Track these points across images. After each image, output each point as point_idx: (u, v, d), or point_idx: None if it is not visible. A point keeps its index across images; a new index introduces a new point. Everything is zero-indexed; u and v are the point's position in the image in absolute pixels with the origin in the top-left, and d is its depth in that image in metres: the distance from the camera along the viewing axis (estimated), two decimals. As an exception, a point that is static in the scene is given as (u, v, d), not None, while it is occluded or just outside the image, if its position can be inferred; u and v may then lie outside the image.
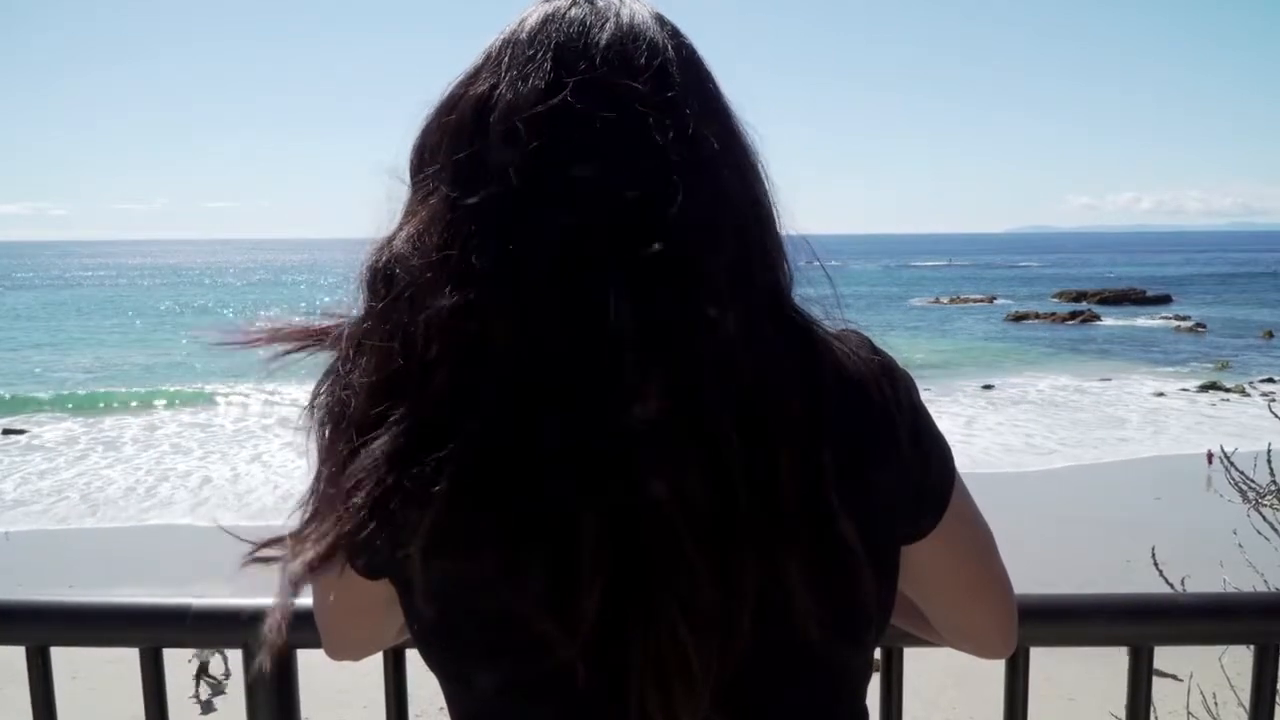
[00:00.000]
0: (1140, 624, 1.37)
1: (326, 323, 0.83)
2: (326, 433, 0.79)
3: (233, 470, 24.92)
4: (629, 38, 0.80)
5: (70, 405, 34.18)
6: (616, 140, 0.75)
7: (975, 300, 76.03)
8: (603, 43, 0.79)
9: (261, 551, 0.81)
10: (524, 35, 0.80)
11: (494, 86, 0.79)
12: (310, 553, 0.76)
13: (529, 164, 0.75)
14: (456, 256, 0.75)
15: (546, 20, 0.81)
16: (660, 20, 0.83)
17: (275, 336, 0.84)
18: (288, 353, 0.84)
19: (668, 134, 0.76)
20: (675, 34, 0.83)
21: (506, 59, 0.80)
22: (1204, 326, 56.76)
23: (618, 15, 0.81)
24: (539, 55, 0.78)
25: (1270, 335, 52.66)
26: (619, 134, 0.76)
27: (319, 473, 0.79)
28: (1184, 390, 36.38)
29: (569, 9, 0.81)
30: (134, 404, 34.51)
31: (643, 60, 0.78)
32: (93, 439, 29.53)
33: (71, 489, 23.64)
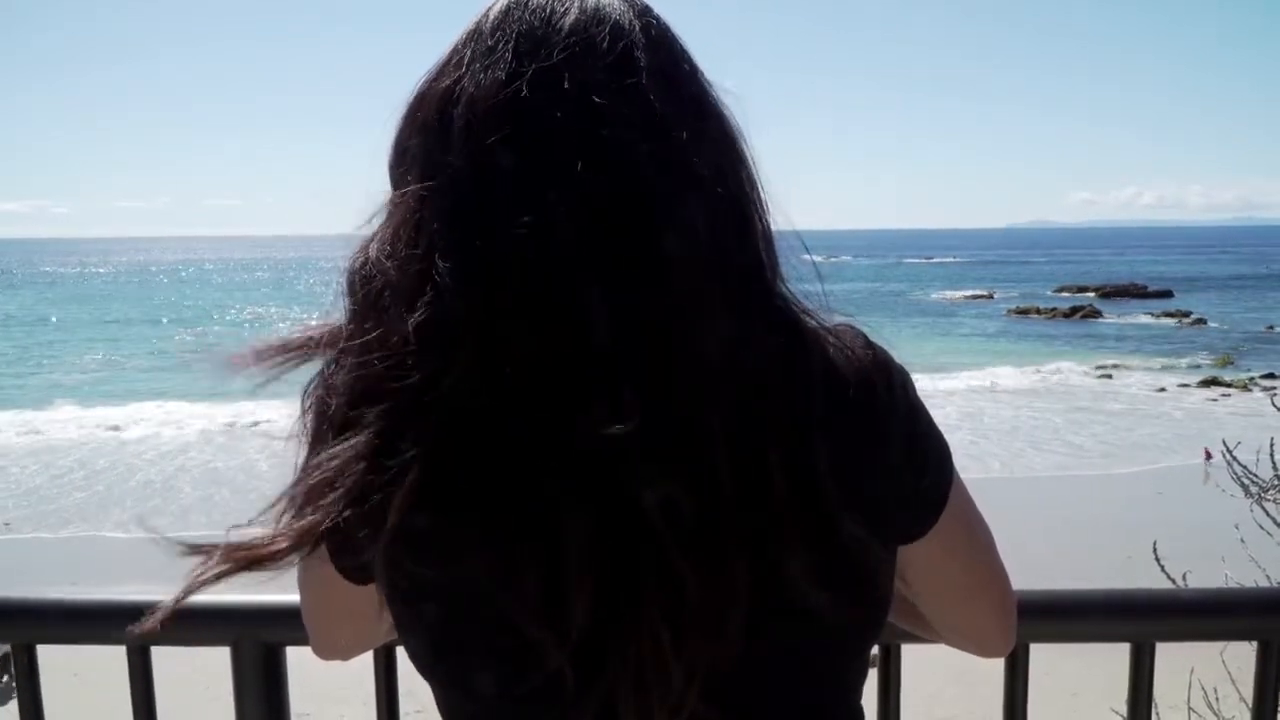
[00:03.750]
0: (1141, 620, 1.36)
1: (318, 330, 0.82)
2: (309, 433, 0.79)
3: (246, 467, 24.97)
4: (593, 22, 0.77)
5: (79, 405, 34.20)
6: (576, 130, 0.73)
7: (976, 296, 76.01)
8: (565, 28, 0.76)
9: (203, 546, 0.79)
10: (487, 26, 0.79)
11: (457, 80, 0.77)
12: (281, 544, 0.75)
13: (489, 160, 0.73)
14: (422, 256, 0.73)
15: (510, 8, 0.79)
16: (629, 1, 0.80)
17: (263, 356, 0.82)
18: (281, 363, 0.82)
19: (632, 120, 0.73)
20: (645, 13, 0.80)
21: (469, 52, 0.78)
22: (1205, 321, 56.75)
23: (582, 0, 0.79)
24: (500, 46, 0.77)
25: (1272, 329, 52.66)
26: (578, 124, 0.73)
27: (297, 469, 0.78)
28: (1185, 385, 36.39)
29: None
30: (144, 403, 34.48)
31: (606, 44, 0.76)
32: (101, 438, 29.51)
33: (78, 490, 23.67)
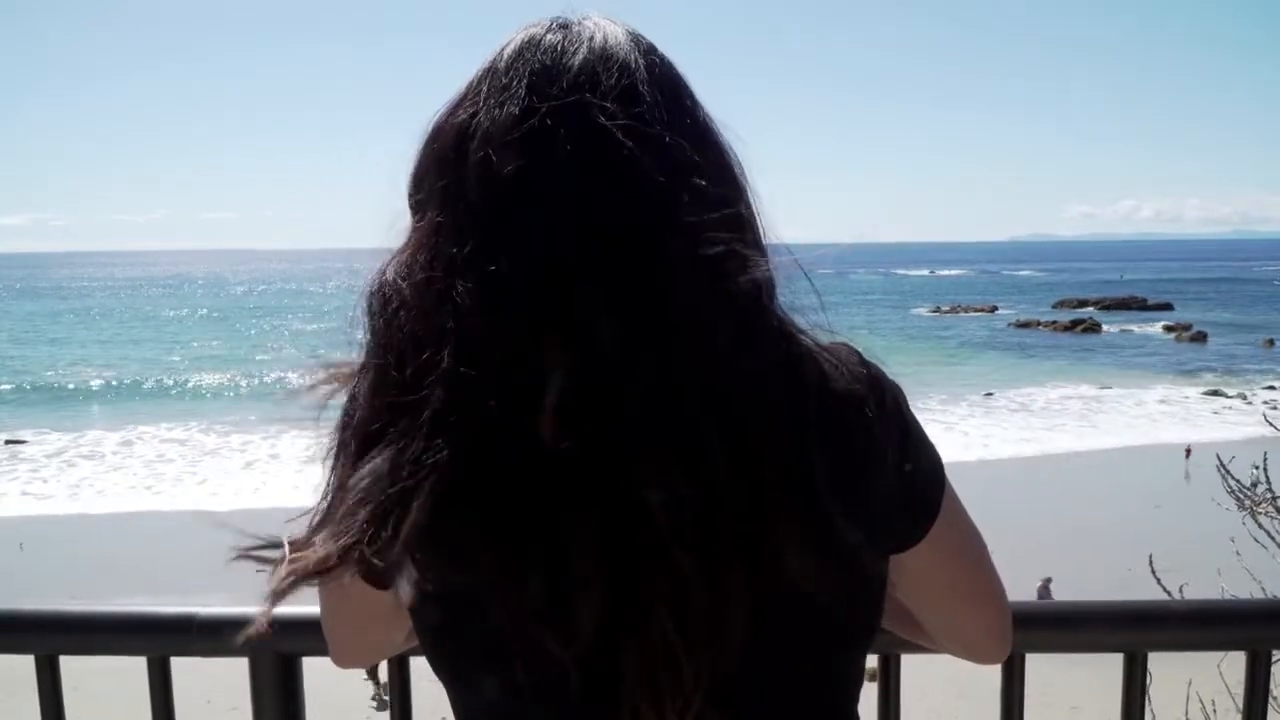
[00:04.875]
0: (1134, 630, 1.38)
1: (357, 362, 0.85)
2: (336, 446, 0.82)
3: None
4: (600, 60, 0.82)
5: (76, 417, 34.10)
6: (584, 160, 0.78)
7: (977, 309, 76.01)
8: (575, 66, 0.81)
9: (256, 551, 0.83)
10: (501, 64, 0.84)
11: (473, 115, 0.82)
12: (312, 559, 0.78)
13: (505, 188, 0.78)
14: (440, 278, 0.78)
15: (523, 48, 0.84)
16: (635, 40, 0.85)
17: (331, 378, 0.86)
18: (330, 392, 0.86)
19: (636, 150, 0.78)
20: (649, 52, 0.85)
21: (485, 88, 0.83)
22: (1205, 334, 56.70)
23: (591, 39, 0.84)
24: (514, 83, 0.81)
25: (1271, 343, 52.61)
26: (586, 154, 0.78)
27: (327, 483, 0.82)
28: (1186, 397, 36.40)
29: (544, 35, 0.84)
30: (147, 415, 34.32)
31: (613, 80, 0.81)
32: (102, 451, 29.32)
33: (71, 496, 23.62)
